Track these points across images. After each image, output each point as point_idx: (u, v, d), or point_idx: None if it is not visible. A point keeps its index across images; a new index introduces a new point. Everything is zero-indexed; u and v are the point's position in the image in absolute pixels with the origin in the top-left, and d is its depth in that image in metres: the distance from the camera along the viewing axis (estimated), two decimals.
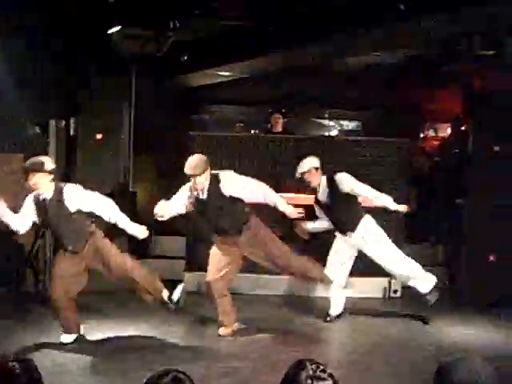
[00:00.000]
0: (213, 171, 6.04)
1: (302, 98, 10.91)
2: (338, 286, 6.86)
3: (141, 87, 8.42)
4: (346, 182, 6.58)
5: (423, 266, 8.72)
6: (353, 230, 6.67)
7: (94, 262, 5.81)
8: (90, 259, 5.79)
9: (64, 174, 8.14)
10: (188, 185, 6.11)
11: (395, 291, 8.10)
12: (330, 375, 2.20)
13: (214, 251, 6.30)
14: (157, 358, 5.57)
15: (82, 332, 5.96)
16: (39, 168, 5.57)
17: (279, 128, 9.01)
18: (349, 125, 11.96)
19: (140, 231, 5.87)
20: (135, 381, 4.98)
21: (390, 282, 8.08)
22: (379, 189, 7.98)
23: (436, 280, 6.79)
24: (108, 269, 5.80)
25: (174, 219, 9.25)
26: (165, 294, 5.93)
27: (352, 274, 7.94)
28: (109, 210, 5.76)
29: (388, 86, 10.61)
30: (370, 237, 6.69)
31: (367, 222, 6.73)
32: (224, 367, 5.42)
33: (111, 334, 6.17)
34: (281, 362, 5.60)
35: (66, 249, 5.77)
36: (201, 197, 6.04)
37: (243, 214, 6.17)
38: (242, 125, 11.35)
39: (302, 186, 7.95)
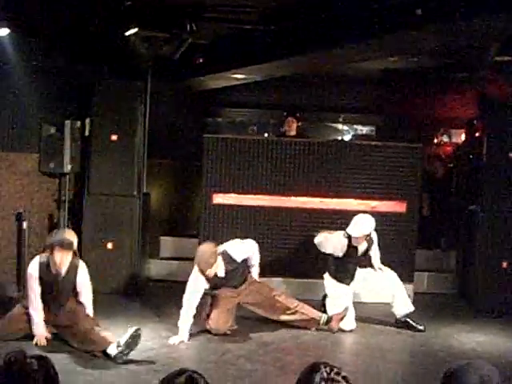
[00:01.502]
0: (221, 248, 6.36)
1: (316, 102, 10.92)
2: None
3: (156, 89, 8.45)
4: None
5: (435, 271, 8.79)
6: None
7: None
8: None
9: (78, 174, 8.20)
10: (198, 276, 6.21)
11: None
12: (344, 378, 2.20)
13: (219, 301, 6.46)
14: (167, 360, 5.58)
15: None
16: (73, 247, 5.81)
17: (293, 132, 9.02)
18: (363, 129, 11.93)
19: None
20: (147, 382, 5.02)
21: None
22: (392, 194, 8.02)
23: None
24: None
25: (185, 221, 9.37)
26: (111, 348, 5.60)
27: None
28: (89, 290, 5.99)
29: (402, 92, 10.60)
30: None
31: None
32: (237, 370, 5.44)
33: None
34: (292, 365, 5.62)
35: (49, 309, 5.85)
36: (219, 275, 6.29)
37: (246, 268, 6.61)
38: (255, 128, 11.37)
39: (313, 191, 7.99)
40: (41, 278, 5.77)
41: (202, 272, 6.15)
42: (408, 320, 6.87)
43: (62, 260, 5.75)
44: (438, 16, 6.13)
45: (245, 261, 6.55)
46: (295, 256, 8.01)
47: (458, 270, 8.71)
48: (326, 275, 6.95)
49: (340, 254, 6.75)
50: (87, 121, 8.11)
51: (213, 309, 6.46)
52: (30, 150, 7.84)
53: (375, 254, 7.04)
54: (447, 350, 6.19)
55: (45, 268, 5.77)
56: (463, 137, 10.02)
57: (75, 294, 5.94)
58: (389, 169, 8.08)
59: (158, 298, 7.75)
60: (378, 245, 7.04)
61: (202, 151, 8.04)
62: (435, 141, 11.03)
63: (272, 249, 7.99)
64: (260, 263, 6.79)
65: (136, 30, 7.04)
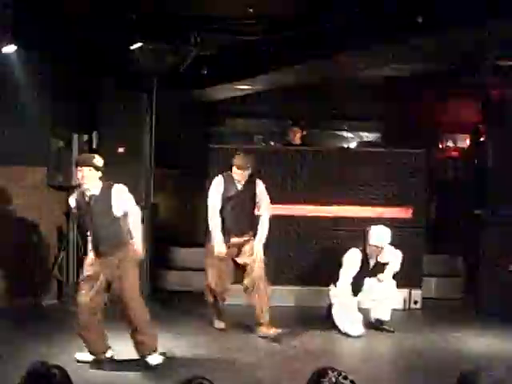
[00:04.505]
0: None
1: (320, 110, 10.97)
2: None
3: (162, 101, 8.53)
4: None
5: (443, 276, 8.79)
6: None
7: (112, 275, 5.55)
8: (111, 268, 5.53)
9: None
10: (220, 179, 6.63)
11: (415, 302, 8.09)
12: (352, 382, 2.24)
13: (216, 258, 6.62)
14: (178, 367, 5.62)
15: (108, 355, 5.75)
16: (89, 162, 5.48)
17: (298, 141, 9.06)
18: (368, 136, 11.98)
19: (140, 250, 5.68)
20: None
21: (410, 293, 8.08)
22: (399, 199, 8.05)
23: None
24: (118, 287, 5.54)
25: (192, 231, 9.40)
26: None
27: None
28: (136, 215, 5.64)
29: (407, 98, 10.64)
30: None
31: None
32: (246, 377, 5.47)
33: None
34: (301, 372, 5.62)
35: (98, 251, 5.55)
36: (238, 188, 6.59)
37: (255, 219, 6.73)
38: (261, 137, 11.44)
39: (319, 199, 8.03)
40: (79, 208, 5.63)
41: (233, 171, 6.55)
42: (379, 322, 7.00)
43: (85, 178, 5.50)
44: (438, 23, 6.19)
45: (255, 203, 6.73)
46: (303, 264, 8.05)
47: (466, 274, 8.73)
48: (332, 287, 6.98)
49: (356, 267, 6.80)
50: (94, 134, 8.19)
51: (212, 270, 6.68)
52: (38, 163, 7.89)
53: (390, 269, 7.01)
54: (456, 355, 6.20)
55: (82, 196, 5.57)
56: (468, 141, 10.06)
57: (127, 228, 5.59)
58: (394, 175, 8.12)
59: (167, 308, 7.79)
60: None
61: (207, 161, 8.10)
62: (440, 146, 11.08)
63: (279, 257, 8.04)
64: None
65: (141, 43, 7.11)
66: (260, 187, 6.76)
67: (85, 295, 5.54)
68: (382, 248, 6.78)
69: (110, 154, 8.07)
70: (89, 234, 5.68)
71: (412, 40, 6.62)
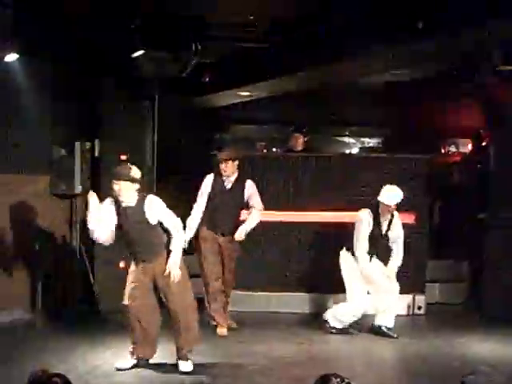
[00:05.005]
0: None
1: (322, 117, 10.99)
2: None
3: (164, 107, 8.55)
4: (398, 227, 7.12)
5: (448, 281, 8.78)
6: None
7: (159, 279, 5.64)
8: (156, 274, 5.63)
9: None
10: (210, 178, 6.95)
11: (419, 308, 8.07)
12: None
13: (206, 250, 6.90)
14: (181, 375, 5.61)
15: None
16: (126, 176, 5.52)
17: (300, 147, 9.07)
18: (370, 142, 12.00)
19: (177, 262, 5.62)
20: None
21: (414, 299, 8.06)
22: (402, 205, 8.05)
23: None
24: (166, 290, 5.63)
25: (196, 238, 9.39)
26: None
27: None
28: (176, 226, 5.66)
29: (408, 103, 10.65)
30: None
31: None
32: (249, 383, 5.47)
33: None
34: (305, 378, 5.63)
35: (138, 260, 5.65)
36: (227, 187, 6.87)
37: (238, 222, 6.93)
38: (263, 144, 11.46)
39: (322, 205, 8.03)
40: (119, 219, 5.66)
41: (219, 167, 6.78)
42: (383, 328, 6.98)
43: (122, 191, 5.56)
44: (438, 28, 6.20)
45: (248, 198, 6.92)
46: (304, 270, 8.03)
47: (470, 279, 8.71)
48: (344, 251, 7.04)
49: (368, 226, 6.91)
50: (96, 142, 8.20)
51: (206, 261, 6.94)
52: (40, 172, 7.90)
53: (398, 248, 7.09)
54: (461, 360, 6.17)
55: (118, 207, 5.62)
56: (470, 146, 10.07)
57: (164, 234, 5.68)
58: (397, 180, 8.08)
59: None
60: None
61: (210, 168, 8.10)
62: (442, 151, 11.09)
63: (281, 264, 8.04)
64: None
65: (143, 51, 7.14)
66: (250, 189, 6.94)
67: (136, 299, 5.62)
68: (391, 207, 6.87)
69: (113, 161, 8.10)
70: (128, 243, 5.72)
71: (412, 42, 6.61)
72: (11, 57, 6.98)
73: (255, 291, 8.02)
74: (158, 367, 5.75)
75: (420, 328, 7.58)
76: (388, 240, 7.08)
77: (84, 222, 8.13)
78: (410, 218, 8.06)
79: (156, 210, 5.59)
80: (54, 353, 6.13)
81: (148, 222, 5.57)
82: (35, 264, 7.62)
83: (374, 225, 6.92)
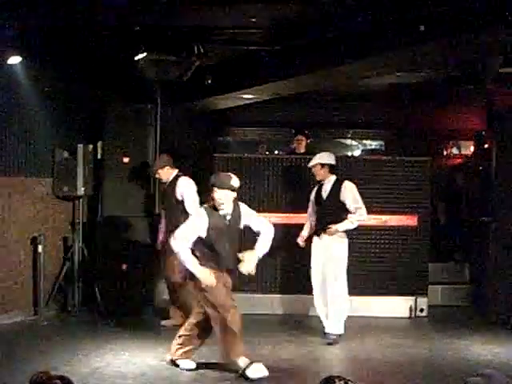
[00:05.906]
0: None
1: (324, 119, 10.99)
2: (321, 299, 6.93)
3: (166, 110, 8.56)
4: (348, 193, 6.84)
5: (450, 284, 8.78)
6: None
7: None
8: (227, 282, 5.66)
9: (92, 197, 8.28)
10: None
11: (421, 310, 8.07)
12: None
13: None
14: (182, 379, 5.62)
15: None
16: (227, 185, 5.55)
17: (302, 149, 9.09)
18: (372, 144, 12.00)
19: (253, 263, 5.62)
20: None
21: (416, 301, 8.06)
22: (403, 207, 8.06)
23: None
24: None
25: None
26: (241, 362, 5.55)
27: (378, 293, 7.99)
28: (267, 229, 5.70)
29: (410, 106, 10.66)
30: (334, 251, 6.85)
31: (343, 239, 6.89)
32: None
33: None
34: (307, 380, 5.65)
35: (222, 268, 5.59)
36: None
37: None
38: (265, 146, 11.47)
39: None
40: (211, 226, 5.55)
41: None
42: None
43: (222, 199, 5.55)
44: (440, 31, 6.21)
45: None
46: (306, 273, 8.03)
47: (472, 281, 8.71)
48: None
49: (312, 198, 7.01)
50: (99, 144, 8.23)
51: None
52: (43, 174, 7.93)
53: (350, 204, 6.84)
54: (463, 362, 6.17)
55: (213, 214, 5.59)
56: (472, 148, 10.07)
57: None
58: (399, 183, 8.12)
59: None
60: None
61: (212, 170, 8.11)
62: (445, 153, 11.09)
63: (285, 266, 8.05)
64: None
65: (145, 54, 7.15)
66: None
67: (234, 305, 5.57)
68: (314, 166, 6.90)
69: (115, 164, 8.12)
70: (216, 250, 5.59)
71: (416, 47, 6.63)
72: (14, 59, 7.00)
73: (257, 293, 8.02)
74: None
75: (422, 330, 7.57)
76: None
77: (86, 224, 8.21)
78: (412, 221, 8.07)
79: (248, 215, 5.71)
80: (57, 355, 6.14)
81: (240, 229, 5.72)
82: (38, 266, 7.63)
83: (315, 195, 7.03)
